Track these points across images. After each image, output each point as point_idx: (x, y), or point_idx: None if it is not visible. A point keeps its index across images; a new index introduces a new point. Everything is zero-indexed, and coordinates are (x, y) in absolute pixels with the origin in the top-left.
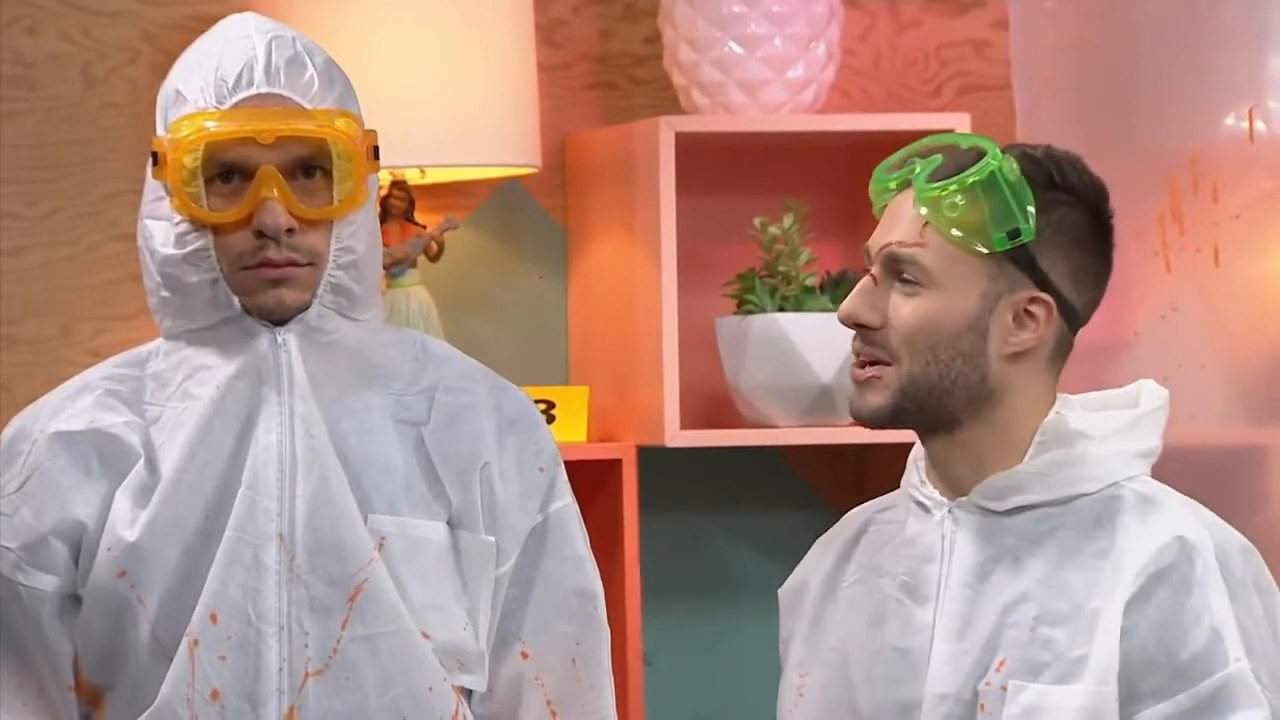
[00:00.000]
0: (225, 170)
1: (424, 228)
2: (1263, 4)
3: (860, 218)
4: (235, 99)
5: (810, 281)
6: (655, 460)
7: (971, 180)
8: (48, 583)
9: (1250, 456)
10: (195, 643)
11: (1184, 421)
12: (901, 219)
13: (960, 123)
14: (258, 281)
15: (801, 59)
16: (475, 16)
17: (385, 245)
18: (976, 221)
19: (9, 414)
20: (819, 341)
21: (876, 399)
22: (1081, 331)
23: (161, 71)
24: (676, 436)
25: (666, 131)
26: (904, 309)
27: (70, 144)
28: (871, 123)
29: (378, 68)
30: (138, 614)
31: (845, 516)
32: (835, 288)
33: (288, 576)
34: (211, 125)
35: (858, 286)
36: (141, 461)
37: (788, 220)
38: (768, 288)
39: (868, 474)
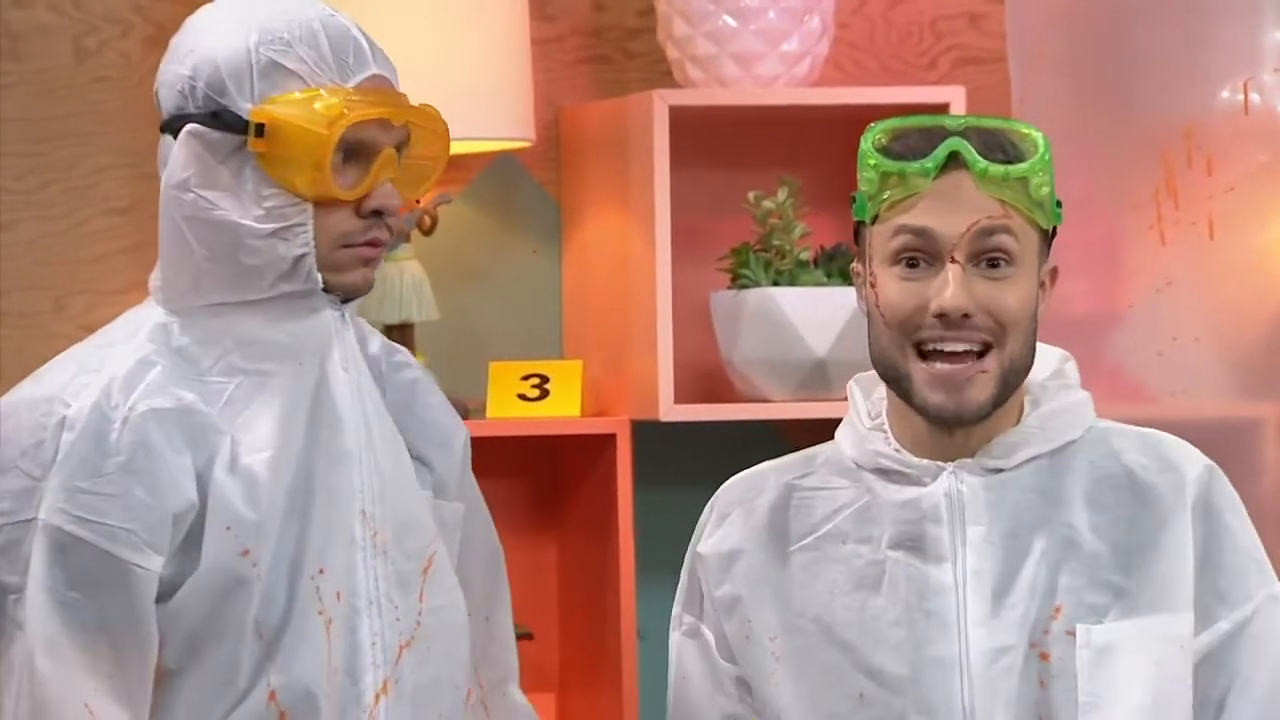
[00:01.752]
0: (346, 149)
1: (417, 201)
2: None
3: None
4: (358, 78)
5: (804, 255)
6: (649, 434)
7: (1046, 158)
8: (157, 564)
9: (1244, 429)
10: (330, 621)
11: (1178, 394)
12: (967, 200)
13: (955, 96)
14: (353, 260)
15: (796, 32)
16: None
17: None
18: (1047, 196)
19: (2, 389)
20: (813, 315)
21: (984, 394)
22: (1076, 304)
23: (155, 44)
24: (671, 411)
25: (660, 105)
26: (1008, 293)
27: (61, 117)
28: (866, 96)
29: None
30: (252, 593)
31: (742, 479)
32: (829, 261)
33: (372, 551)
34: (344, 103)
35: (952, 277)
36: (228, 438)
37: (782, 194)
38: (762, 262)
39: None
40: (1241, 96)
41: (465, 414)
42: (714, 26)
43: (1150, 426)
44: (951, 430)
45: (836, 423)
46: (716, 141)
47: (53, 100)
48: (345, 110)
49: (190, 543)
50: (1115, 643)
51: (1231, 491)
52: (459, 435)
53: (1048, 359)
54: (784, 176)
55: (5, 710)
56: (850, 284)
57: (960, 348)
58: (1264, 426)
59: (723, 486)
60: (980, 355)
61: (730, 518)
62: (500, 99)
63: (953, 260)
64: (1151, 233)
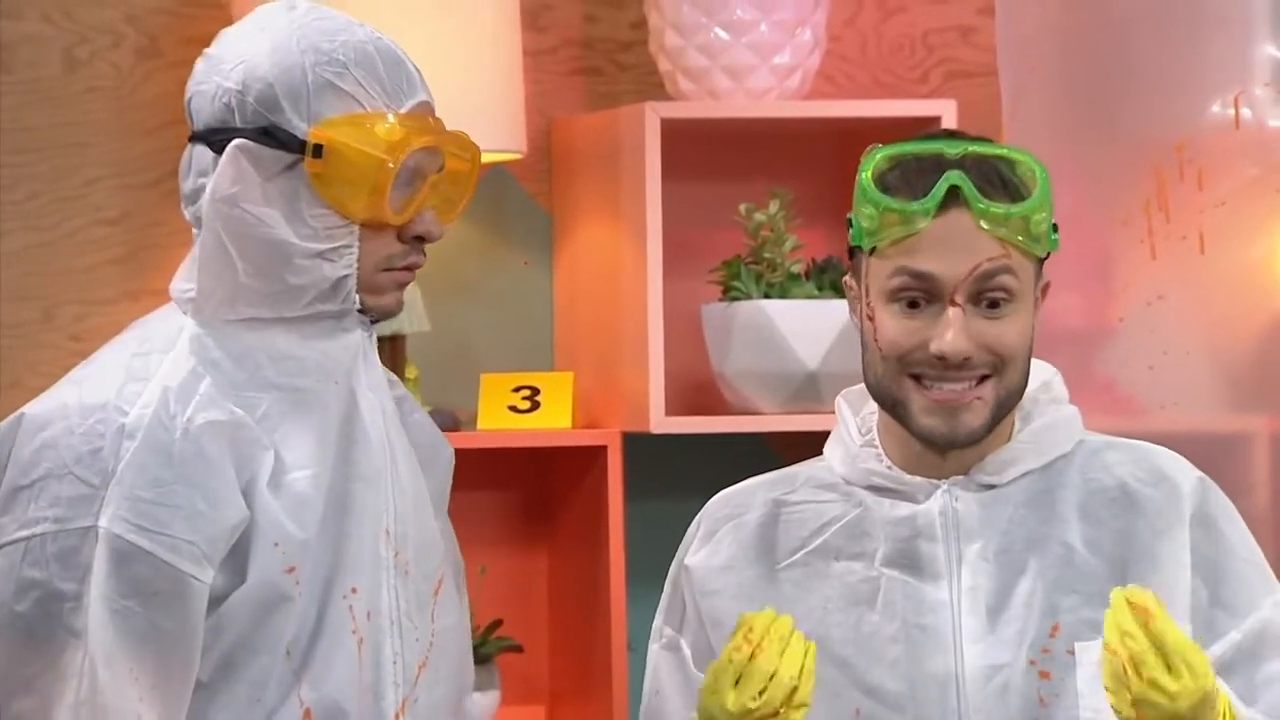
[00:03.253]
0: (399, 174)
1: None
2: None
3: (846, 204)
4: (411, 103)
5: (796, 268)
6: (640, 446)
7: (1044, 192)
8: (209, 577)
9: (1235, 443)
10: (361, 640)
11: (1169, 408)
12: (967, 242)
13: (946, 109)
14: (391, 283)
15: (788, 45)
16: (460, 1)
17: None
18: (1045, 232)
19: None
20: (804, 328)
21: (978, 420)
22: (1067, 318)
23: (146, 55)
24: (662, 423)
25: (652, 117)
26: (1007, 332)
27: (51, 128)
28: (858, 109)
29: None
30: (292, 610)
31: (729, 495)
32: (821, 274)
33: (395, 571)
34: (397, 129)
35: (952, 320)
36: (272, 454)
37: (773, 207)
38: (753, 274)
39: None
40: (1232, 111)
41: (456, 426)
42: (706, 39)
43: (1142, 440)
44: (944, 453)
45: (826, 436)
46: (708, 154)
47: (43, 110)
48: (406, 136)
49: (236, 557)
50: None
51: (1226, 501)
52: (445, 452)
53: (1037, 373)
54: (775, 189)
55: (60, 719)
56: (842, 297)
57: (960, 386)
58: (1255, 440)
59: (710, 502)
60: (978, 383)
61: (718, 534)
62: (491, 110)
63: (953, 303)
64: (1142, 246)
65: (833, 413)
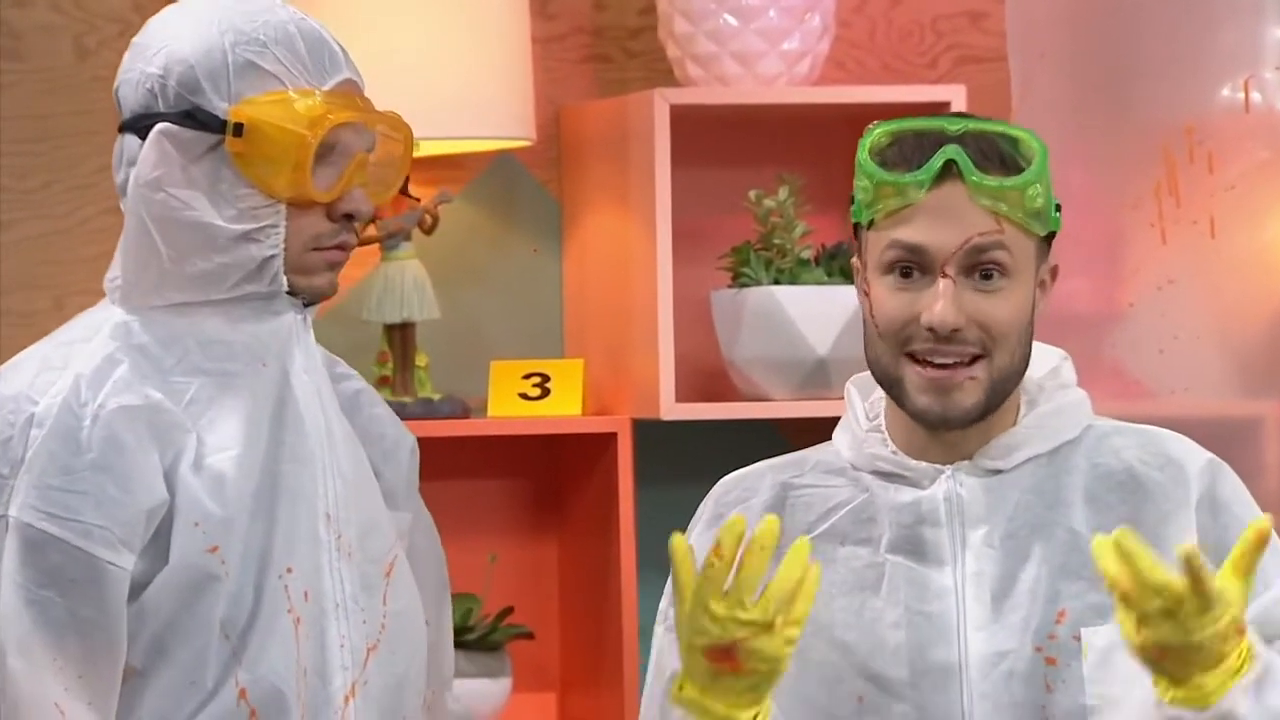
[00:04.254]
0: (321, 152)
1: (418, 200)
2: None
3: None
4: (334, 81)
5: (805, 254)
6: (650, 433)
7: (1041, 168)
8: (129, 562)
9: (1246, 428)
10: (298, 620)
11: (1180, 393)
12: (960, 214)
13: (956, 95)
14: (321, 263)
15: (797, 30)
16: None
17: (379, 218)
18: (1043, 206)
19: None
20: (814, 314)
21: (971, 399)
22: (1077, 302)
23: None
24: (672, 409)
25: (661, 104)
26: (999, 307)
27: (62, 116)
28: (867, 95)
29: (371, 40)
30: (220, 590)
31: (736, 479)
32: (830, 260)
33: (338, 554)
34: (318, 105)
35: (942, 292)
36: (194, 436)
37: (783, 193)
38: (763, 260)
39: None
40: (1242, 94)
41: (466, 413)
42: (715, 25)
43: (1152, 424)
44: (938, 432)
45: (836, 422)
46: (717, 140)
47: (54, 99)
48: (326, 112)
49: (159, 541)
50: (1119, 642)
51: (1237, 482)
52: (404, 445)
53: (1045, 358)
54: (785, 175)
55: None
56: (851, 283)
57: (950, 360)
58: (1265, 425)
59: (718, 485)
60: (970, 364)
61: (725, 517)
62: (500, 98)
63: (944, 274)
64: (1152, 230)
65: (843, 399)
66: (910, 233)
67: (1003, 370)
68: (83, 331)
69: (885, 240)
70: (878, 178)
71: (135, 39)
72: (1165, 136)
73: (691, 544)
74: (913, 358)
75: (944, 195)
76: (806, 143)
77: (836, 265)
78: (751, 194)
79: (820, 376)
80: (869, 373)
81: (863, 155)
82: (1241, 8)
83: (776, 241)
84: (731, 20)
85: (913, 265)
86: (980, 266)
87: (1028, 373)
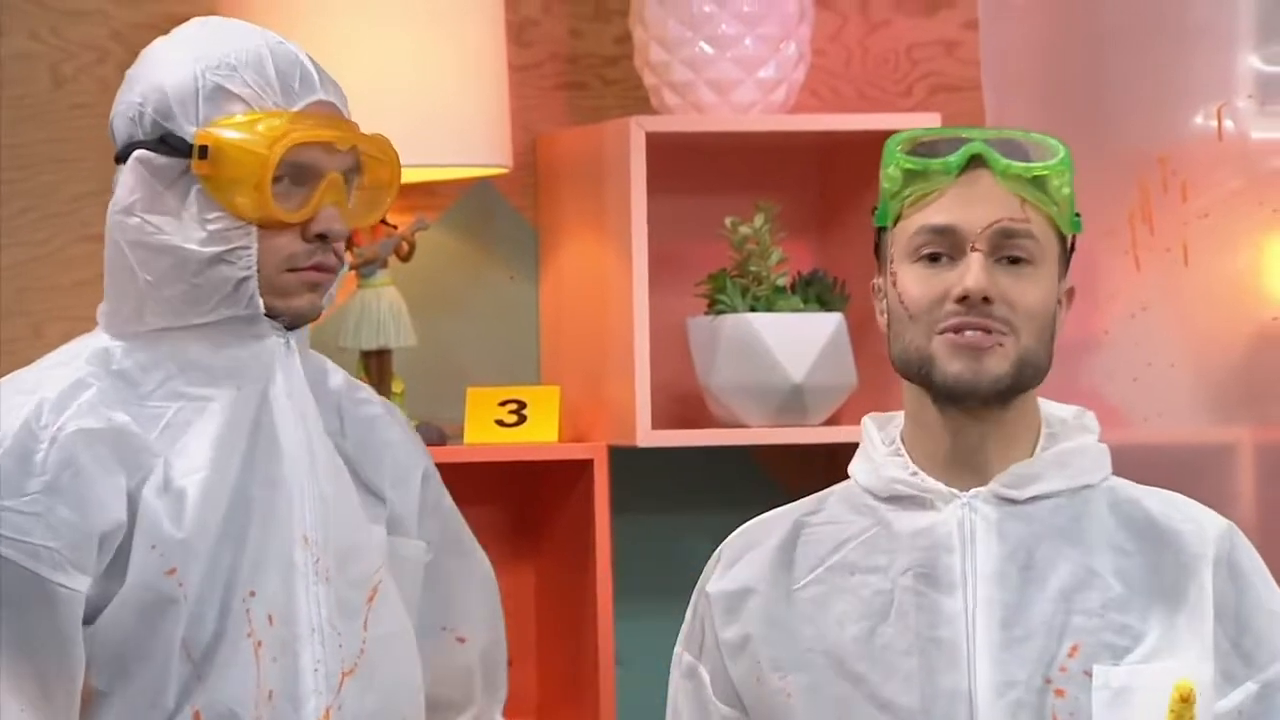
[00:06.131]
0: (291, 172)
1: (395, 228)
2: (1231, 2)
3: (831, 218)
4: (304, 102)
5: (781, 281)
6: (626, 460)
7: (1066, 162)
8: (82, 583)
9: (1219, 454)
10: (259, 644)
11: (1154, 419)
12: (990, 199)
13: (930, 123)
14: (299, 285)
15: (772, 59)
16: (445, 16)
17: (356, 245)
18: (1066, 203)
19: None
20: (790, 341)
21: (999, 366)
22: None
23: None
24: (648, 436)
25: (637, 131)
26: (1027, 290)
27: (39, 144)
28: (842, 123)
29: (348, 67)
30: (179, 613)
31: (752, 525)
32: (806, 287)
33: (314, 578)
34: (286, 124)
35: (973, 263)
36: (162, 460)
37: (759, 220)
38: (739, 288)
39: (837, 474)
40: (1215, 123)
41: (443, 440)
42: (691, 53)
43: (1126, 451)
44: (968, 409)
45: (813, 449)
46: (693, 168)
47: (31, 127)
48: (288, 131)
49: (118, 564)
50: (1133, 686)
51: (1253, 551)
52: (416, 472)
53: (1068, 407)
54: (761, 202)
55: None
56: (827, 309)
57: (983, 324)
58: (1239, 451)
59: (734, 533)
60: (1001, 333)
61: (740, 561)
62: (477, 125)
63: (974, 249)
64: (1126, 258)
65: (818, 425)
66: (939, 215)
67: (1028, 351)
68: (63, 357)
69: (913, 227)
70: (905, 164)
71: (128, 71)
72: (1139, 164)
73: (708, 591)
74: (942, 333)
75: (971, 180)
76: (782, 170)
77: (813, 292)
78: (728, 221)
79: (796, 403)
80: (884, 413)
81: (888, 152)
82: (1215, 36)
83: (752, 269)
84: (707, 48)
85: (941, 251)
86: (1007, 249)
87: (1052, 409)
